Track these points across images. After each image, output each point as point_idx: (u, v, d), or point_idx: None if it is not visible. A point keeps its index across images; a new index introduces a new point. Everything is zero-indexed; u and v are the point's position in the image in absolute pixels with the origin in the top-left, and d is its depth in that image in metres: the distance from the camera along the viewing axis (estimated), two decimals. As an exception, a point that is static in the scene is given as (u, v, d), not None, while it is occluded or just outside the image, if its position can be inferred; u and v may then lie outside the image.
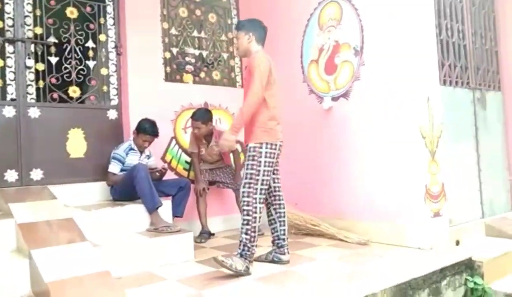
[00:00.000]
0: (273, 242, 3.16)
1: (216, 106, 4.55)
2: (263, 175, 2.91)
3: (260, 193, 2.92)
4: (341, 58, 3.81)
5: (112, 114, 3.96)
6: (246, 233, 2.88)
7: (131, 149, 3.68)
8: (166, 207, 3.43)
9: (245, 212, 2.90)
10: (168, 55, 4.32)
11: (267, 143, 2.91)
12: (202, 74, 4.59)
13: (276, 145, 2.96)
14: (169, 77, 4.30)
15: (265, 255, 3.14)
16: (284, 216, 3.14)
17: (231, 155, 4.29)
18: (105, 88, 3.95)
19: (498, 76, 4.34)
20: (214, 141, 4.02)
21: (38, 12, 3.62)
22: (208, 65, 4.66)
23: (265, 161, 2.90)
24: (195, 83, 4.49)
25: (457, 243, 3.44)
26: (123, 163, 3.62)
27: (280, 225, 3.13)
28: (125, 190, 3.47)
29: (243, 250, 2.88)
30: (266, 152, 2.91)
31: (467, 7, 3.97)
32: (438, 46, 3.64)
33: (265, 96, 2.90)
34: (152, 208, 3.28)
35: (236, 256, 2.85)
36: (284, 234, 3.10)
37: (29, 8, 3.59)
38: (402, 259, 3.02)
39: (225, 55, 4.79)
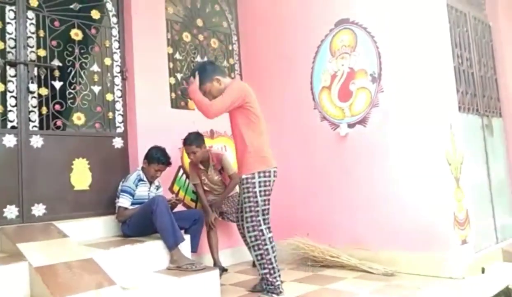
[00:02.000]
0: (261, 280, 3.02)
1: (221, 133, 4.38)
2: (263, 205, 2.85)
3: (265, 223, 2.86)
4: (357, 85, 3.78)
5: (117, 142, 3.69)
6: (263, 268, 2.82)
7: (140, 180, 3.43)
8: (185, 242, 3.18)
9: (256, 247, 2.82)
10: (173, 80, 4.13)
11: (259, 172, 2.85)
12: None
13: (270, 172, 2.90)
14: (174, 104, 4.11)
15: (253, 287, 3.15)
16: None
17: None
18: (110, 114, 3.69)
19: (499, 103, 4.45)
20: (212, 166, 3.84)
21: (41, 33, 3.36)
22: (211, 91, 4.49)
23: (260, 191, 2.84)
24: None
25: (483, 270, 3.40)
26: (133, 195, 3.35)
27: None
28: (140, 225, 3.19)
29: (268, 285, 2.83)
30: (260, 182, 2.84)
31: (471, 36, 4.07)
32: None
33: (251, 124, 2.87)
34: (174, 245, 3.02)
35: (264, 294, 2.82)
36: None
37: (32, 28, 3.33)
38: (442, 291, 2.92)
39: (227, 81, 4.65)
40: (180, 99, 4.19)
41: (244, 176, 2.86)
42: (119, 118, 3.74)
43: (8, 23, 3.22)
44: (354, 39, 3.81)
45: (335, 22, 3.95)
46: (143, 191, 3.43)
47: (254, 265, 3.86)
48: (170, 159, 3.48)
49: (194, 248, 3.46)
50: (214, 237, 3.82)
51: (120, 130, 3.73)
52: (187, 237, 3.23)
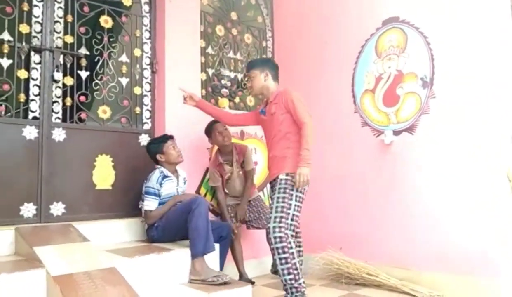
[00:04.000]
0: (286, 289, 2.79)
1: (252, 134, 4.10)
2: (294, 210, 2.72)
3: (291, 230, 2.70)
4: (405, 89, 3.46)
5: (144, 139, 3.43)
6: (288, 274, 2.64)
7: (165, 176, 3.11)
8: (213, 256, 2.89)
9: (280, 250, 2.64)
10: (204, 76, 3.87)
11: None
12: (237, 99, 4.15)
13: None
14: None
15: None
16: (301, 264, 2.93)
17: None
18: (137, 109, 3.43)
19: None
20: (235, 158, 3.54)
21: (69, 19, 3.12)
22: (243, 89, 4.23)
23: (296, 195, 2.72)
24: (230, 108, 4.04)
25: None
26: (159, 196, 3.06)
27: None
28: (172, 227, 2.91)
29: (292, 293, 2.65)
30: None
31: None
32: None
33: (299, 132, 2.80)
34: (202, 252, 2.72)
35: None
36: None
37: (60, 13, 3.09)
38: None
39: (259, 79, 4.37)
40: (210, 96, 3.92)
41: (283, 177, 2.76)
42: (146, 114, 3.49)
43: (35, 5, 2.99)
44: (404, 39, 3.49)
45: (383, 20, 3.64)
46: (171, 187, 3.12)
47: (274, 271, 3.61)
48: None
49: (221, 267, 3.16)
50: (238, 248, 3.51)
51: (147, 126, 3.48)
52: (218, 247, 2.96)
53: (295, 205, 2.74)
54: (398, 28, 3.55)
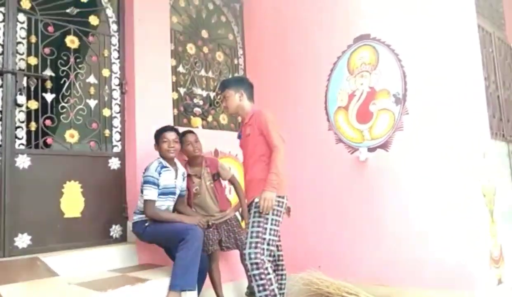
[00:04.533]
0: None
1: (226, 153, 4.01)
2: (270, 234, 2.65)
3: (267, 255, 2.63)
4: (378, 106, 3.48)
5: (114, 163, 3.30)
6: None
7: (163, 167, 2.96)
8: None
9: (257, 277, 2.57)
10: (175, 95, 3.78)
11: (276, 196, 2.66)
12: (210, 118, 4.07)
13: (283, 199, 2.74)
14: (176, 121, 3.73)
15: None
16: (284, 288, 2.88)
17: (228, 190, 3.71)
18: (107, 132, 3.30)
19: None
20: (205, 171, 3.38)
21: (33, 39, 2.98)
22: (215, 108, 4.16)
23: (272, 219, 2.66)
24: (203, 127, 3.96)
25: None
26: (158, 185, 2.90)
27: (279, 289, 2.77)
28: (162, 239, 2.89)
29: None
30: (273, 210, 2.66)
31: (496, 57, 3.85)
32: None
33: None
34: (180, 287, 2.60)
35: None
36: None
37: (23, 33, 2.94)
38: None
39: (232, 98, 4.31)
40: (182, 116, 3.83)
41: (257, 199, 2.67)
42: (116, 136, 3.35)
43: (-4, 26, 2.84)
44: (376, 56, 3.52)
45: (354, 38, 3.66)
46: (168, 179, 2.97)
47: (250, 292, 3.50)
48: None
49: (199, 292, 3.03)
50: (216, 272, 3.38)
51: (117, 149, 3.34)
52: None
53: (270, 229, 2.66)
54: (369, 45, 3.57)
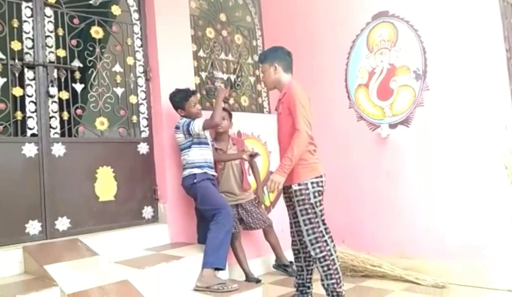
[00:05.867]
0: (296, 287, 2.88)
1: (248, 134, 4.11)
2: (321, 216, 2.67)
3: (327, 233, 2.67)
4: (399, 82, 3.51)
5: (143, 148, 3.43)
6: (330, 278, 2.62)
7: (190, 122, 3.14)
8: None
9: (321, 259, 2.62)
10: (197, 80, 3.87)
11: (312, 182, 2.65)
12: (231, 100, 4.16)
13: (321, 179, 2.72)
14: (200, 105, 3.82)
15: None
16: (312, 265, 2.84)
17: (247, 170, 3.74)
18: (134, 118, 3.43)
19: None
20: (232, 148, 3.57)
21: (60, 32, 3.09)
22: (236, 90, 4.24)
23: (315, 202, 2.64)
24: (224, 110, 4.04)
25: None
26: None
27: (307, 274, 2.87)
28: (203, 202, 3.04)
29: (333, 296, 2.64)
30: (314, 192, 2.65)
31: (517, 28, 3.79)
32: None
33: None
34: (211, 265, 2.77)
35: None
36: (309, 282, 2.88)
37: (51, 27, 3.05)
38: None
39: (251, 79, 4.39)
40: (205, 100, 3.92)
41: (296, 188, 2.65)
42: (144, 122, 3.48)
43: (25, 21, 2.95)
44: (395, 33, 3.53)
45: (373, 15, 3.68)
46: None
47: (277, 265, 3.72)
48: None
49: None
50: (239, 248, 3.51)
51: (145, 134, 3.47)
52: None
53: (319, 210, 2.66)
54: (388, 22, 3.58)
